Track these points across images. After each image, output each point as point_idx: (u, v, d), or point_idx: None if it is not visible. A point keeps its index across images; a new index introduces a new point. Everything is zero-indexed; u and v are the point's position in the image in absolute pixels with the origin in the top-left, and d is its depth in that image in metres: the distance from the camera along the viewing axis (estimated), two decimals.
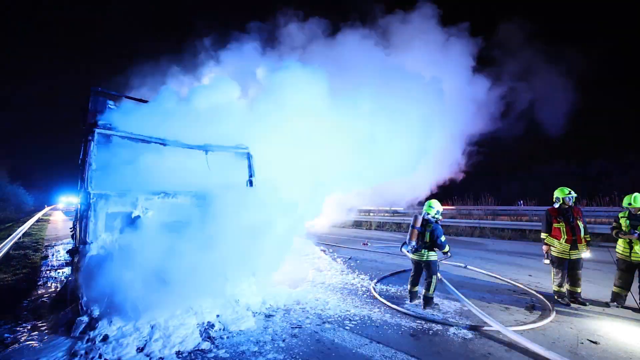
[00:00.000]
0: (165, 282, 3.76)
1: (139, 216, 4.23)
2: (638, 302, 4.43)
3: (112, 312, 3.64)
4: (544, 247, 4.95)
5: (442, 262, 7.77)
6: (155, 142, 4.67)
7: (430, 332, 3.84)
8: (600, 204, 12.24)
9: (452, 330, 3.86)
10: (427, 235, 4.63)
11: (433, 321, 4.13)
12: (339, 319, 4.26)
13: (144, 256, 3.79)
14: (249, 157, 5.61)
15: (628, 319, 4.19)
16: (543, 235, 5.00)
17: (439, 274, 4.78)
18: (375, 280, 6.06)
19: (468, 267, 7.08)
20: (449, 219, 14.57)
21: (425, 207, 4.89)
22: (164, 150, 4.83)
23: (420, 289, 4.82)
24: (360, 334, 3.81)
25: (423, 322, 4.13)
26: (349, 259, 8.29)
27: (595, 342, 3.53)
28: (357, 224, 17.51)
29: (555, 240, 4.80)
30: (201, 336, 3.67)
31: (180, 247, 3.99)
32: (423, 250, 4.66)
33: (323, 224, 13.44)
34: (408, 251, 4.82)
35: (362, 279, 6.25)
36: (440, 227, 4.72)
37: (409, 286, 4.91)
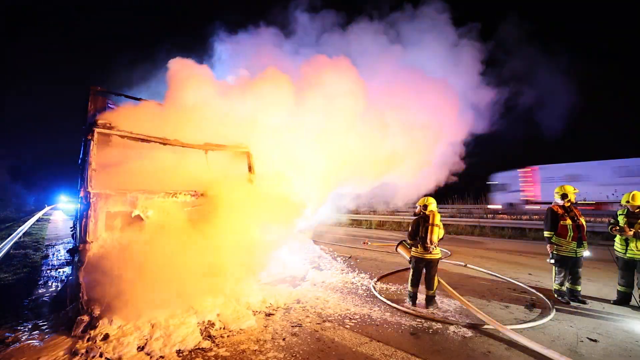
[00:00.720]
0: (165, 281, 3.76)
1: (139, 215, 4.23)
2: (638, 300, 4.44)
3: (112, 311, 3.64)
4: (550, 247, 4.83)
5: (442, 260, 7.79)
6: (155, 142, 4.66)
7: (430, 330, 3.84)
8: None
9: (452, 328, 3.86)
10: (442, 232, 4.66)
11: (433, 320, 4.13)
12: (339, 317, 4.27)
13: (144, 255, 3.79)
14: (248, 156, 5.60)
15: (627, 317, 4.19)
16: (548, 234, 4.87)
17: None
18: (375, 279, 6.06)
19: (468, 265, 7.10)
20: (449, 217, 14.58)
21: (432, 205, 4.75)
22: (164, 149, 4.82)
23: (420, 288, 4.81)
24: (360, 332, 3.82)
25: (423, 320, 4.14)
26: (349, 257, 8.29)
27: (594, 340, 3.54)
28: (357, 223, 17.52)
29: (562, 238, 4.74)
30: (202, 335, 3.67)
31: (180, 247, 3.99)
32: (437, 248, 4.64)
33: (323, 222, 13.45)
34: (430, 250, 4.57)
35: (362, 277, 6.25)
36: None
37: (411, 288, 4.77)
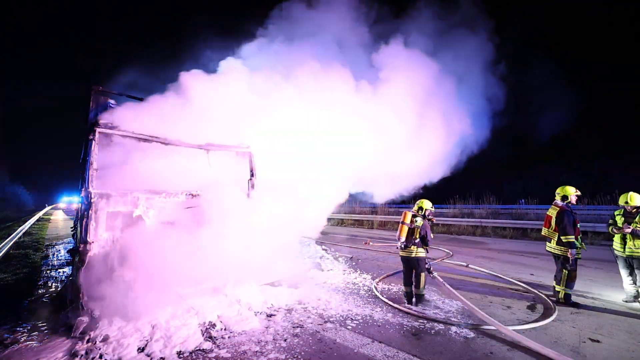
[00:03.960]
0: (166, 282, 3.75)
1: (140, 215, 4.22)
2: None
3: (112, 312, 3.63)
4: (571, 253, 4.49)
5: (444, 260, 7.78)
6: (157, 142, 4.65)
7: (432, 331, 3.82)
8: (601, 202, 12.24)
9: (453, 329, 3.84)
10: (417, 232, 4.67)
11: (435, 320, 4.11)
12: (341, 318, 4.25)
13: (145, 256, 3.78)
14: (250, 156, 5.58)
15: (630, 317, 4.17)
16: (570, 239, 4.50)
17: (436, 274, 4.79)
18: (377, 280, 6.04)
19: (470, 266, 7.07)
20: (450, 217, 14.54)
21: (415, 207, 4.92)
22: (165, 149, 4.81)
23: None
24: (362, 333, 3.80)
25: (425, 321, 4.12)
26: (351, 258, 8.28)
27: (597, 341, 3.52)
28: (359, 223, 17.50)
29: (576, 240, 4.62)
30: (203, 336, 3.66)
31: (181, 247, 3.98)
32: (412, 247, 4.69)
33: (325, 222, 13.43)
34: (402, 247, 4.75)
35: (364, 278, 6.24)
36: (428, 223, 4.80)
37: (403, 286, 4.94)
